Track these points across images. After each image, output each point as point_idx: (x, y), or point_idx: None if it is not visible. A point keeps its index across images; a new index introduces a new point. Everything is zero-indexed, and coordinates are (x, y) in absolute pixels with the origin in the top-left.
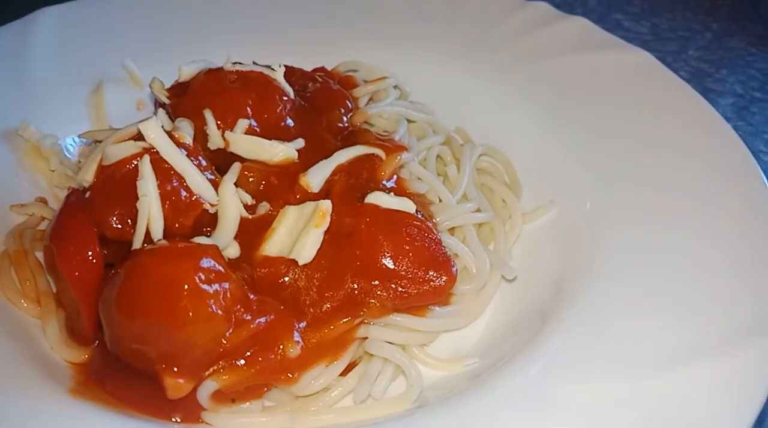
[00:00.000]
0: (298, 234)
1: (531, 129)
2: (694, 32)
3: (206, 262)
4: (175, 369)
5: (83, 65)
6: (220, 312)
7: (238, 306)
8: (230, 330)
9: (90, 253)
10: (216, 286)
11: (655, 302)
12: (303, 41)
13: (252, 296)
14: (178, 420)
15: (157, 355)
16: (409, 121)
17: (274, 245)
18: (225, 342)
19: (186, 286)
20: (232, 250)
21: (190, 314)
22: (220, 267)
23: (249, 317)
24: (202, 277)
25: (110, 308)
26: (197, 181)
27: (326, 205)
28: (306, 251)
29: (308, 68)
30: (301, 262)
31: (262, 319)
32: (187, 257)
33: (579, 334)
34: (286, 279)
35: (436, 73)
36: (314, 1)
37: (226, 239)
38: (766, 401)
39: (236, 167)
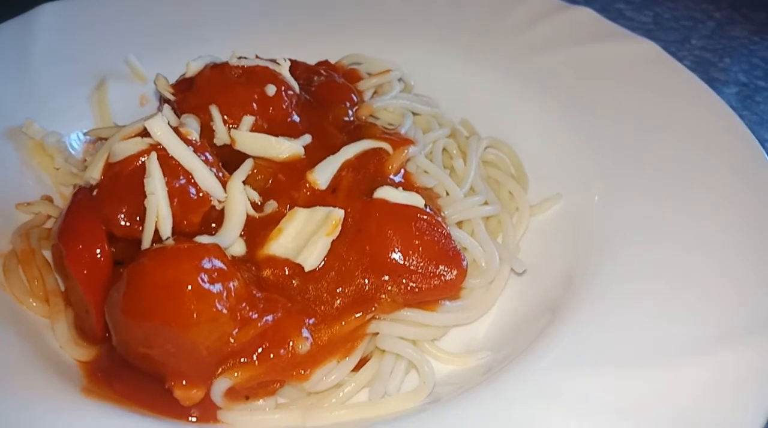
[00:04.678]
0: (306, 239)
1: (536, 120)
2: (696, 21)
3: (209, 262)
4: (184, 382)
5: (85, 61)
6: (225, 311)
7: (244, 305)
8: (236, 330)
9: (98, 251)
10: (219, 286)
11: (666, 292)
12: (304, 33)
13: (258, 294)
14: (195, 419)
15: (164, 365)
16: (414, 113)
17: (279, 246)
18: (232, 341)
19: (189, 287)
20: (238, 247)
21: (195, 315)
22: (223, 266)
23: (255, 315)
24: (205, 277)
25: (115, 312)
26: (205, 177)
27: (339, 214)
28: (313, 258)
29: (311, 61)
30: (307, 269)
31: (270, 317)
32: (189, 257)
33: (589, 326)
34: (293, 282)
35: (440, 65)
36: None
37: (231, 236)
38: None
39: (248, 164)
